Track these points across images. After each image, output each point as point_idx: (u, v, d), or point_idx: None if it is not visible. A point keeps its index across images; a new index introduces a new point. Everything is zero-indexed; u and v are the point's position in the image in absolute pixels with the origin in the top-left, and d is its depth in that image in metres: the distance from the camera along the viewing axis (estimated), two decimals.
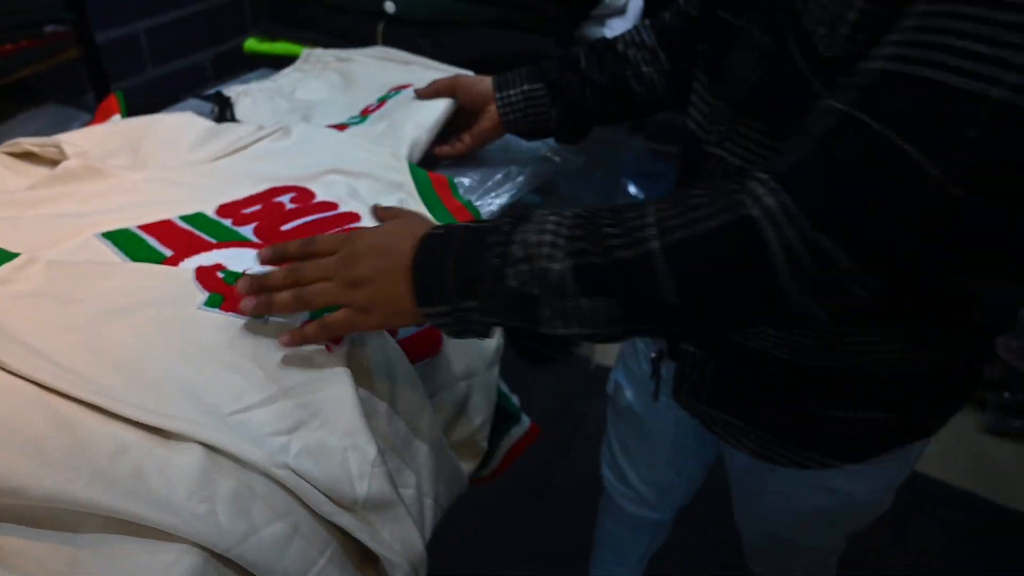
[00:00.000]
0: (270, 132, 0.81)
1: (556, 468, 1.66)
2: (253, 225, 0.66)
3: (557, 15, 1.03)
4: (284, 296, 0.53)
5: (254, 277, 0.54)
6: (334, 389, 0.53)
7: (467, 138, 0.86)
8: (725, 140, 0.60)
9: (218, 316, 0.54)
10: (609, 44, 0.82)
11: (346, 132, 0.86)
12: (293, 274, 0.54)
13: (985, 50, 0.39)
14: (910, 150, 0.40)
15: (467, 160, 0.87)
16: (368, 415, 0.53)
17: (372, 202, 0.74)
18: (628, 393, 0.94)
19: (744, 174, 0.47)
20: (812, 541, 0.85)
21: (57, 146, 0.71)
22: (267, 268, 0.61)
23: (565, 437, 1.70)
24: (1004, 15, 0.38)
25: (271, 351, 0.53)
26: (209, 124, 0.84)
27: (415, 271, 0.51)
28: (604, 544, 1.20)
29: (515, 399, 0.82)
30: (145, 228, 0.64)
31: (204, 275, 0.57)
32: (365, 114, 0.92)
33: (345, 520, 0.50)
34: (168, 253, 0.60)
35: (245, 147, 0.80)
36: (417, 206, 0.79)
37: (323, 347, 0.54)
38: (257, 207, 0.70)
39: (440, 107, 0.86)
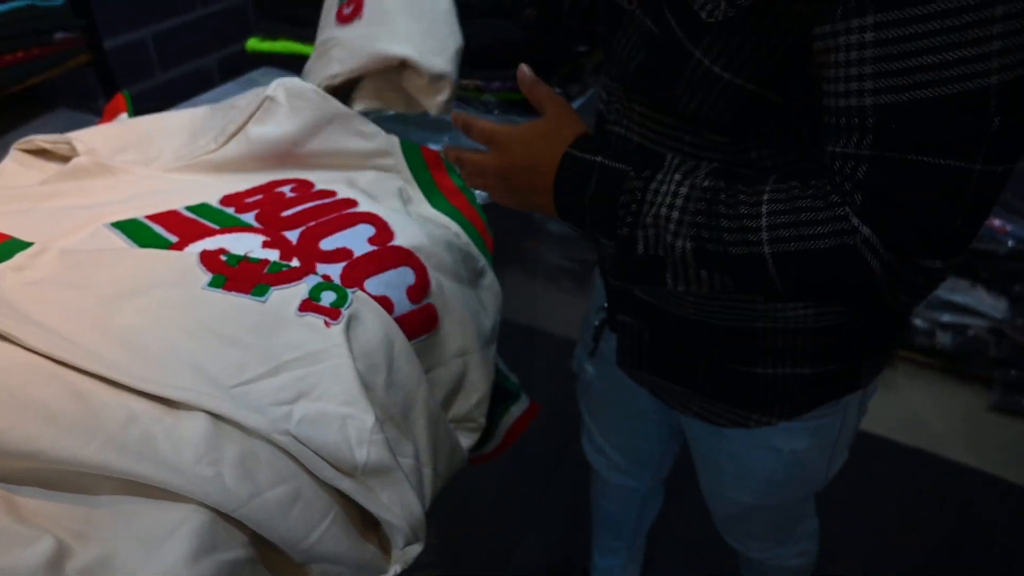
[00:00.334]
0: (258, 105, 0.80)
1: (571, 449, 1.68)
2: (255, 212, 0.69)
3: None
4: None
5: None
6: (333, 362, 0.55)
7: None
8: (623, 118, 0.65)
9: (221, 296, 0.57)
10: None
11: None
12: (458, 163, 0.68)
13: (961, 54, 0.42)
14: (951, 163, 0.45)
15: (466, 140, 0.89)
16: (366, 387, 0.56)
17: (368, 190, 0.77)
18: (588, 367, 0.99)
19: (831, 179, 0.50)
20: (771, 502, 0.87)
21: (68, 143, 0.74)
22: (268, 252, 0.64)
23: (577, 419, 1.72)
24: (956, 19, 0.42)
25: (272, 328, 0.56)
26: (208, 109, 0.85)
27: (556, 198, 0.61)
28: (599, 522, 1.24)
29: (514, 378, 0.85)
30: (152, 218, 0.66)
31: (208, 258, 0.60)
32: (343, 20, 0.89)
33: (345, 485, 0.52)
34: (174, 239, 0.63)
35: (241, 128, 0.79)
36: (414, 192, 0.81)
37: (322, 323, 0.57)
38: (259, 196, 0.73)
39: None
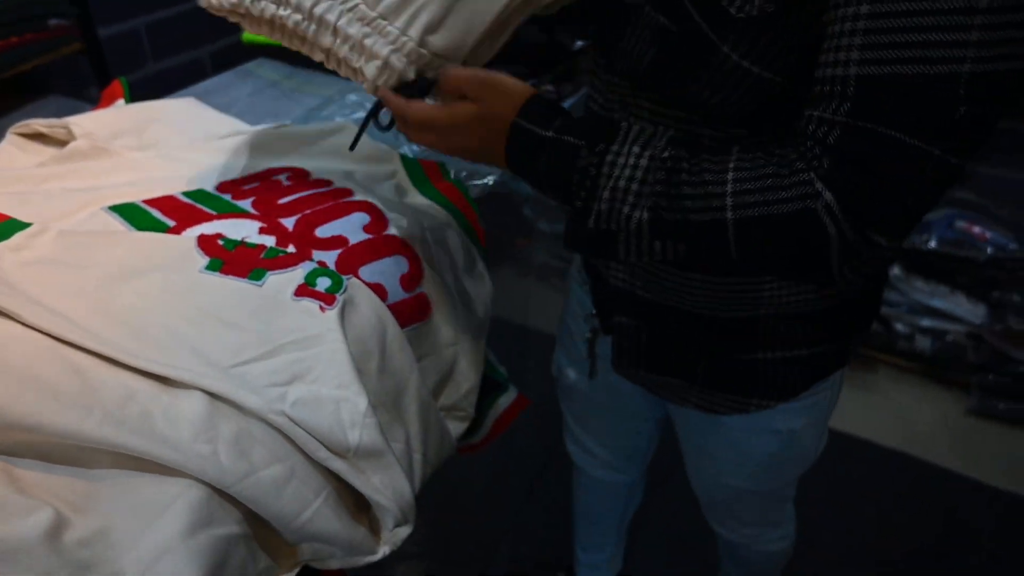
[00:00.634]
0: (271, 125, 0.84)
1: (559, 445, 1.69)
2: (251, 199, 0.70)
3: None
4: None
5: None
6: (328, 347, 0.56)
7: None
8: (628, 115, 0.65)
9: (219, 279, 0.58)
10: None
11: None
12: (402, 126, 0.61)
13: (941, 37, 0.44)
14: (915, 143, 0.47)
15: None
16: (360, 372, 0.57)
17: (365, 184, 0.78)
18: (570, 372, 0.99)
19: (795, 148, 0.52)
20: (766, 485, 0.90)
21: (65, 127, 0.74)
22: (265, 238, 0.64)
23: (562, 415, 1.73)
24: (945, 3, 0.44)
25: (269, 312, 0.57)
26: (211, 111, 0.87)
27: (509, 163, 0.59)
28: (584, 518, 1.24)
29: (503, 370, 0.86)
30: (149, 202, 0.67)
31: (205, 242, 0.61)
32: None
33: (338, 465, 0.53)
34: (171, 223, 0.64)
35: (243, 133, 0.84)
36: (408, 187, 0.82)
37: (317, 308, 0.58)
38: (255, 184, 0.74)
39: None
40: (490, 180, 0.86)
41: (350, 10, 0.59)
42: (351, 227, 0.67)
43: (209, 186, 0.72)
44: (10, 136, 0.77)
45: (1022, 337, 1.67)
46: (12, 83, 1.20)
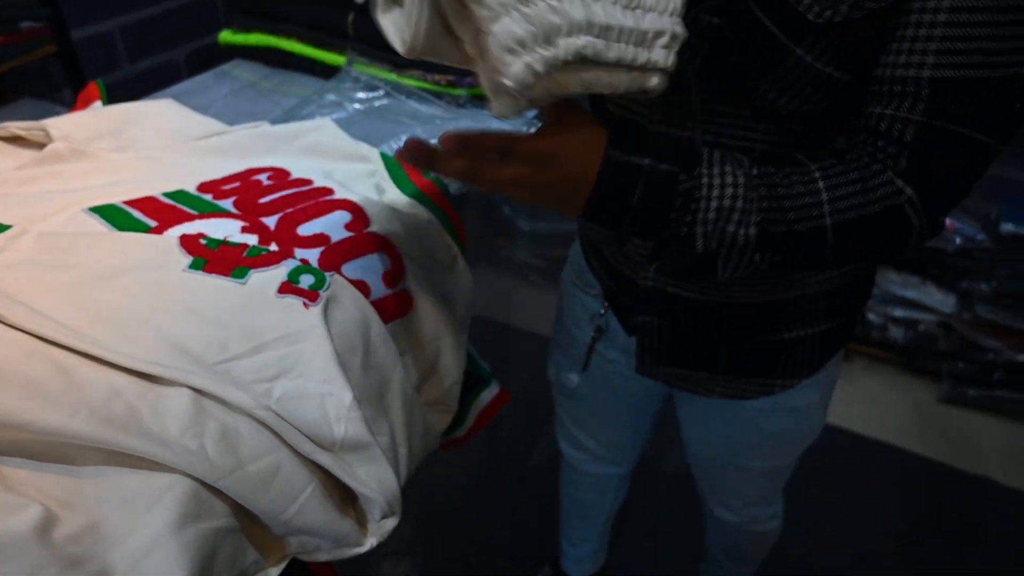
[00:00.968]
0: (250, 125, 0.85)
1: (543, 442, 1.71)
2: (233, 199, 0.70)
3: None
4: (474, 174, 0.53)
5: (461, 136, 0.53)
6: (312, 343, 0.57)
7: None
8: (655, 112, 0.62)
9: (202, 277, 0.58)
10: None
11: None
12: (479, 170, 0.53)
13: (1007, 45, 0.51)
14: (982, 138, 0.53)
15: (437, 135, 0.91)
16: (344, 367, 0.58)
17: (345, 182, 0.78)
18: (572, 376, 1.00)
19: (864, 147, 0.57)
20: (777, 462, 0.93)
21: (43, 129, 0.74)
22: (247, 237, 0.65)
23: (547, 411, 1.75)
24: (1013, 16, 0.50)
25: (253, 309, 0.58)
26: (189, 112, 0.87)
27: (590, 203, 0.55)
28: (572, 512, 1.26)
29: (486, 364, 0.87)
30: (130, 203, 0.67)
31: (188, 242, 0.61)
32: None
33: (324, 459, 0.54)
34: (153, 224, 0.64)
35: (222, 133, 0.84)
36: (388, 185, 0.83)
37: (301, 304, 0.58)
38: (236, 184, 0.74)
39: None
40: None
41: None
42: (333, 225, 0.68)
43: (190, 186, 0.72)
44: None
45: (990, 326, 1.71)
46: None
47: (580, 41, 0.46)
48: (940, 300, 1.77)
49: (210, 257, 0.60)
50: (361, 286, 0.64)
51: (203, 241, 0.61)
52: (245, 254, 0.61)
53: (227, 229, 0.64)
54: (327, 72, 1.11)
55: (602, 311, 0.86)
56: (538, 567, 1.42)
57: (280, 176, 0.76)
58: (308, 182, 0.75)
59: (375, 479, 0.57)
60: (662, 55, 0.51)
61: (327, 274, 0.61)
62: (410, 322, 0.70)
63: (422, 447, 0.68)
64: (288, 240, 0.66)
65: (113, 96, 0.93)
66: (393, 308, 0.67)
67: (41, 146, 0.75)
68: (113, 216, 0.65)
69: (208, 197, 0.70)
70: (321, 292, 0.59)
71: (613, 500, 1.21)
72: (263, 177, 0.76)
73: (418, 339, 0.71)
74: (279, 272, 0.60)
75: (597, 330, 0.88)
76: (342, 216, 0.69)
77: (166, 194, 0.70)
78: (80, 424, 0.45)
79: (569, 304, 0.95)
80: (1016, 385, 1.74)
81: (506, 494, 1.61)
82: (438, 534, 1.22)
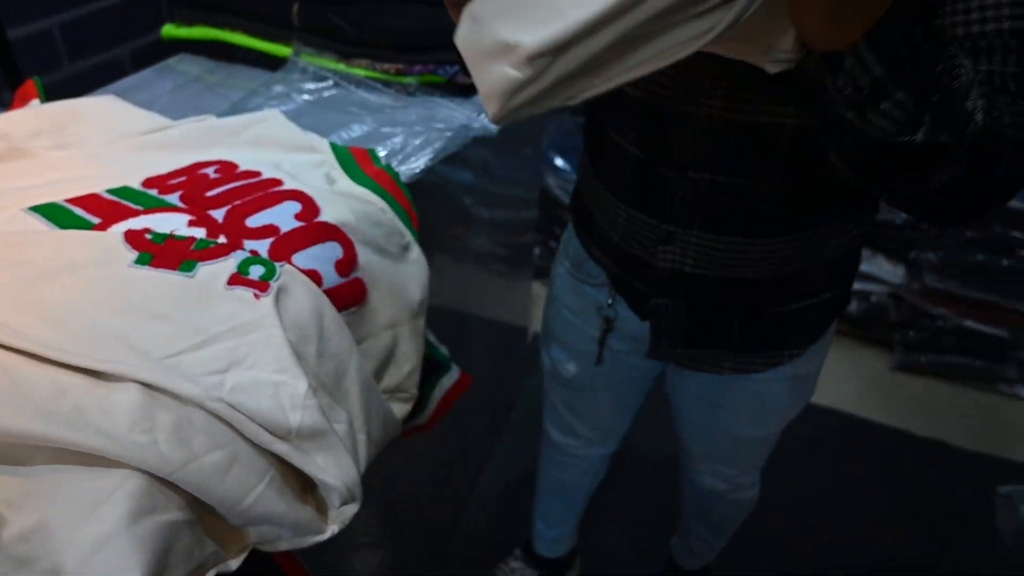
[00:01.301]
0: (196, 118, 0.84)
1: (506, 427, 1.72)
2: (179, 193, 0.69)
3: None
4: None
5: None
6: (264, 332, 0.57)
7: None
8: (699, 96, 0.63)
9: (148, 272, 0.57)
10: None
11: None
12: None
13: None
14: None
15: (387, 124, 0.92)
16: (298, 356, 0.58)
17: (295, 173, 0.78)
18: (571, 366, 1.01)
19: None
20: (772, 429, 0.96)
21: None
22: (195, 230, 0.64)
23: (511, 396, 1.76)
24: None
25: (202, 302, 0.57)
26: (132, 108, 0.86)
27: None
28: (552, 494, 1.27)
29: (444, 349, 0.88)
30: (72, 201, 0.66)
31: (133, 237, 0.60)
32: None
33: (281, 448, 0.54)
34: (96, 221, 0.63)
35: (167, 128, 0.83)
36: (338, 175, 0.83)
37: (251, 295, 0.58)
38: (182, 178, 0.73)
39: None
40: (419, 166, 0.88)
41: None
42: (282, 216, 0.68)
43: (134, 182, 0.71)
44: None
45: (939, 294, 1.77)
46: None
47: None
48: (890, 271, 1.82)
49: (156, 252, 0.59)
50: (313, 275, 0.64)
51: (149, 236, 0.61)
52: (193, 247, 0.61)
53: (174, 223, 0.64)
54: (274, 64, 1.10)
55: (610, 301, 0.86)
56: (509, 550, 1.44)
57: (227, 169, 0.75)
58: (256, 174, 0.75)
59: (333, 466, 0.57)
60: None
61: (277, 264, 0.61)
62: (365, 310, 0.70)
63: (382, 433, 0.69)
64: (237, 232, 0.65)
65: (55, 96, 0.91)
66: (347, 296, 0.67)
67: None
68: (55, 214, 0.64)
69: (153, 192, 0.69)
70: (272, 282, 0.59)
71: (594, 480, 1.23)
72: (210, 171, 0.75)
73: (374, 327, 0.71)
74: (228, 264, 0.60)
75: (606, 321, 0.89)
76: (292, 206, 0.69)
77: (110, 191, 0.69)
78: (24, 422, 0.44)
79: (568, 296, 0.95)
80: (965, 350, 1.80)
81: (472, 480, 1.62)
82: (406, 525, 1.23)
